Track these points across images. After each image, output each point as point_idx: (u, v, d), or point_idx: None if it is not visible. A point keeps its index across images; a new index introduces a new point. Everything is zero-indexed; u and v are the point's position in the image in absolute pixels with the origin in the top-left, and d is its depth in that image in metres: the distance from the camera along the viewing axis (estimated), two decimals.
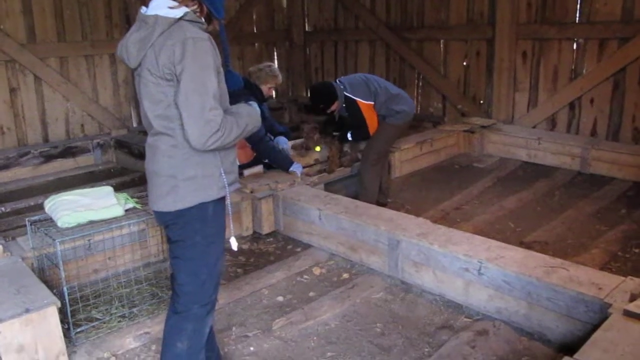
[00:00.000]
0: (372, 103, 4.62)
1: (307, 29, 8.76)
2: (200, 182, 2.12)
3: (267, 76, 4.79)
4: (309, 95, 5.00)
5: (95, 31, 6.56)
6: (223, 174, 2.16)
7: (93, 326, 2.99)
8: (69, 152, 6.30)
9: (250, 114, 2.22)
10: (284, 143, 4.99)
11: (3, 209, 4.97)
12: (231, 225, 2.30)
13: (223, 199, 2.21)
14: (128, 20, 6.72)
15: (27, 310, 2.53)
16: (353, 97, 4.59)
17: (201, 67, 1.99)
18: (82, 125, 6.67)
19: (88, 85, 6.64)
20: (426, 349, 2.79)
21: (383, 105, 4.65)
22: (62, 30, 6.31)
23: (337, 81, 4.75)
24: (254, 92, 4.70)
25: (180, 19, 2.04)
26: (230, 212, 2.27)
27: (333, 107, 4.68)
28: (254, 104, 4.24)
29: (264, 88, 4.80)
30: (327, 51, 8.58)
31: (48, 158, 6.13)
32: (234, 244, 2.33)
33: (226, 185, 2.18)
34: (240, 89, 4.62)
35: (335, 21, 8.35)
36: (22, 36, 6.03)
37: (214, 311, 2.33)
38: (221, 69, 2.14)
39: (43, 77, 6.22)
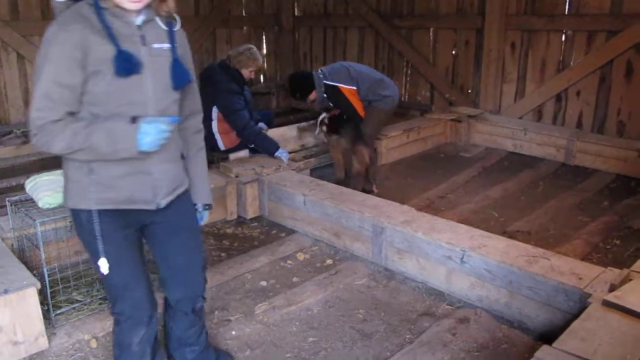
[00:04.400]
0: (355, 88, 4.61)
1: (296, 13, 8.68)
2: (68, 186, 1.96)
3: (247, 60, 4.73)
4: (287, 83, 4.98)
5: None
6: (91, 186, 1.88)
7: (73, 308, 2.96)
8: None
9: (115, 138, 1.78)
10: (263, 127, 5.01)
11: None
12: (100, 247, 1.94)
13: (110, 212, 1.93)
14: None
15: (6, 291, 2.50)
16: (333, 83, 4.57)
17: (40, 60, 1.75)
18: None
19: None
20: (407, 336, 2.80)
21: (369, 91, 4.65)
22: (46, 7, 6.18)
23: (319, 71, 4.72)
24: (234, 76, 4.65)
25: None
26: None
27: (311, 97, 4.68)
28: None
29: (245, 72, 4.74)
30: (316, 37, 8.52)
31: None
32: (103, 267, 1.96)
33: (94, 199, 1.89)
34: (221, 75, 4.62)
35: (325, 6, 8.28)
36: (4, 13, 5.91)
37: (137, 327, 2.08)
38: (103, 65, 1.76)
39: (26, 56, 6.11)
